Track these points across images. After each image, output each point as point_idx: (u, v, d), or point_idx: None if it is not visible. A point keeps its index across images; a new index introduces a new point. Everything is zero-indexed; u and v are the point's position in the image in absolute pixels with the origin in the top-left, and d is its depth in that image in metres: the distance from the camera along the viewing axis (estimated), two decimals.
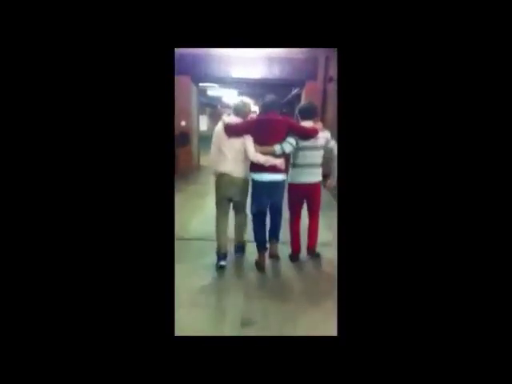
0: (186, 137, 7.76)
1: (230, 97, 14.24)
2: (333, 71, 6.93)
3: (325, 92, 7.20)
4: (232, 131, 3.07)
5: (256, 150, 3.03)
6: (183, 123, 7.64)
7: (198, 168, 9.31)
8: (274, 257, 3.45)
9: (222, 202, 3.26)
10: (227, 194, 3.18)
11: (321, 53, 6.88)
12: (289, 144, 3.07)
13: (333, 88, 7.00)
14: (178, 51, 6.41)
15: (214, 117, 19.73)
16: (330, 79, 7.03)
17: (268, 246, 3.39)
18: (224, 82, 8.23)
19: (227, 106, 18.17)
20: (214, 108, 20.16)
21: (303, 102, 7.47)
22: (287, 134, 3.08)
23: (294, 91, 9.00)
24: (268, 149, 3.02)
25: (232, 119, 3.14)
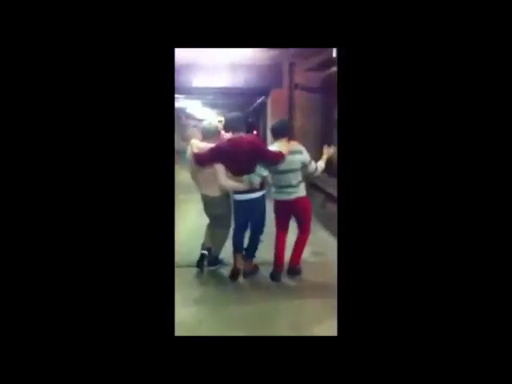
0: None
1: (194, 108, 14.13)
2: (299, 78, 6.77)
3: (291, 100, 7.03)
4: (202, 161, 3.11)
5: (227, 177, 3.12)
6: None
7: None
8: (249, 274, 3.40)
9: (210, 217, 3.50)
10: (209, 212, 3.43)
11: (284, 59, 6.72)
12: (257, 176, 3.08)
13: (300, 95, 6.84)
14: None
15: (179, 128, 19.67)
16: (296, 86, 6.87)
17: (243, 257, 3.42)
18: (186, 92, 7.93)
19: (193, 118, 18.06)
20: (178, 119, 19.94)
21: (269, 113, 7.30)
22: (256, 160, 3.07)
23: (259, 100, 8.83)
24: (238, 179, 3.07)
25: (199, 144, 3.19)
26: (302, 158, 3.18)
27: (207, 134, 3.23)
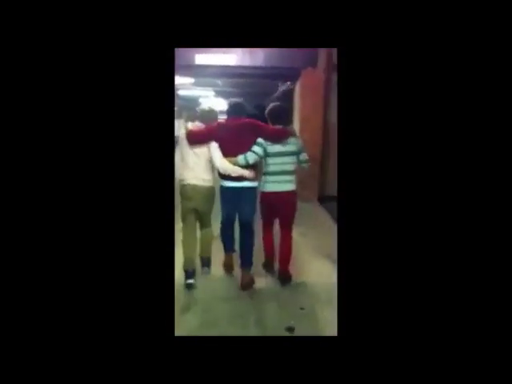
0: None
1: (207, 99, 13.01)
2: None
3: (327, 84, 5.33)
4: (194, 139, 3.08)
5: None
6: None
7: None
8: (247, 286, 3.22)
9: (186, 215, 3.27)
10: (191, 204, 3.21)
11: None
12: (254, 154, 3.04)
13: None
14: None
15: (192, 120, 18.92)
16: (335, 67, 5.17)
17: (234, 254, 3.42)
18: (188, 74, 6.37)
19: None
20: (191, 111, 18.99)
21: (297, 101, 5.84)
22: (254, 141, 3.05)
23: (283, 86, 7.16)
24: (231, 160, 3.03)
25: (195, 124, 3.22)
26: (295, 141, 3.23)
27: (205, 119, 3.19)
